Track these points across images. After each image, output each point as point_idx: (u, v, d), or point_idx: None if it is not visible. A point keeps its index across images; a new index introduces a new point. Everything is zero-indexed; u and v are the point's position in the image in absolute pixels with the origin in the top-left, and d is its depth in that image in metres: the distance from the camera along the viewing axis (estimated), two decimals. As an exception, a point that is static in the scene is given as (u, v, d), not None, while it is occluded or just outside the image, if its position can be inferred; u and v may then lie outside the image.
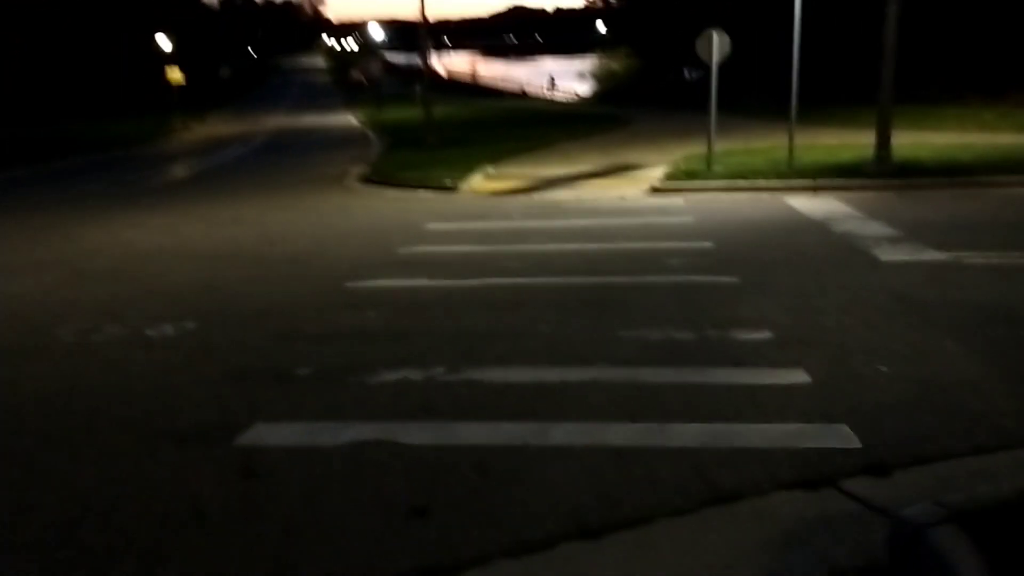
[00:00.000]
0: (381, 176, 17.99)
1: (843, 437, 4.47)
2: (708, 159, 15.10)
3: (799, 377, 5.35)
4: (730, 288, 7.65)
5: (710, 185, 14.04)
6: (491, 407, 5.11)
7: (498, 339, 6.37)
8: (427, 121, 24.87)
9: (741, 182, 13.96)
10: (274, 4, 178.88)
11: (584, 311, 7.05)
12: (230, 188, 18.97)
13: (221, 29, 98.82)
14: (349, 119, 44.56)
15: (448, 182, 16.24)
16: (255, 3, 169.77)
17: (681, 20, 49.26)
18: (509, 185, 16.02)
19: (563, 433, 4.67)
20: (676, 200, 13.27)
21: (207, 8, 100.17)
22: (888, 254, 8.82)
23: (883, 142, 13.99)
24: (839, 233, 10.07)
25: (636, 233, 10.60)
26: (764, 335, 6.19)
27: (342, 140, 32.40)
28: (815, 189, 13.43)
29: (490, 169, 18.20)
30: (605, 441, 4.54)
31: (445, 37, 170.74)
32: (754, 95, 26.06)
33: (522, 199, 14.59)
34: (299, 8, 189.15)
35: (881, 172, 13.76)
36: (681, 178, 14.65)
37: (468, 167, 17.94)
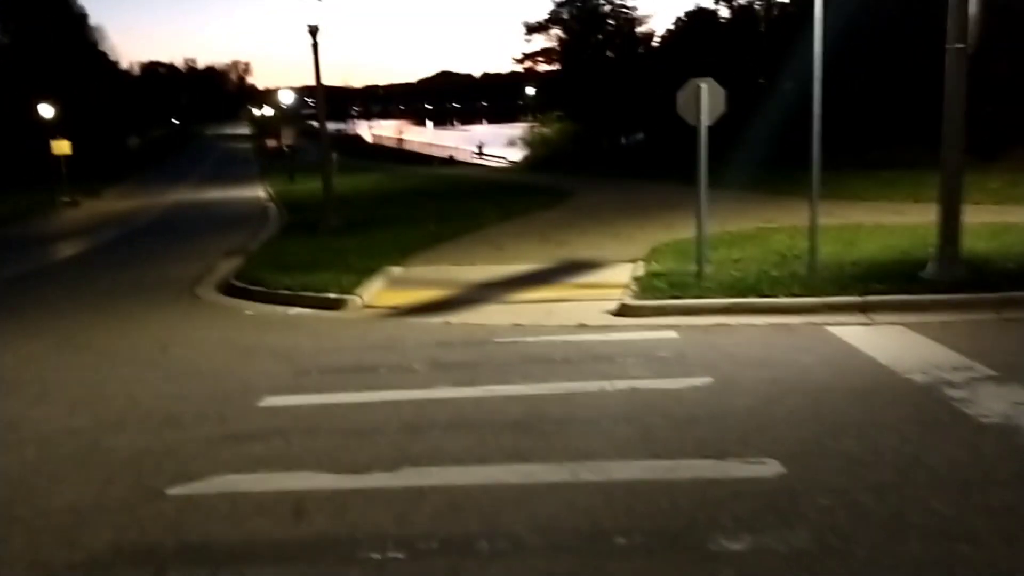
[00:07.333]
0: (247, 280, 13.11)
1: None
2: (698, 260, 10.60)
3: None
4: None
5: (709, 304, 9.45)
6: None
7: None
8: (327, 201, 20.11)
9: (754, 299, 9.42)
10: (198, 71, 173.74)
11: None
12: (39, 301, 13.84)
13: (136, 96, 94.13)
14: (258, 192, 39.78)
15: (333, 294, 11.53)
16: (179, 70, 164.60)
17: (617, 84, 46.05)
18: (419, 298, 11.34)
19: None
20: (665, 331, 8.70)
21: (122, 74, 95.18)
22: None
23: (950, 236, 9.66)
24: (994, 427, 5.54)
25: (625, 426, 5.90)
26: None
27: (237, 219, 27.47)
28: (864, 310, 9.03)
29: (396, 269, 13.51)
30: None
31: (372, 103, 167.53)
32: (719, 159, 22.03)
33: (435, 326, 9.89)
34: (225, 75, 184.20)
35: (952, 280, 9.42)
36: (663, 292, 9.98)
37: (368, 265, 13.24)
